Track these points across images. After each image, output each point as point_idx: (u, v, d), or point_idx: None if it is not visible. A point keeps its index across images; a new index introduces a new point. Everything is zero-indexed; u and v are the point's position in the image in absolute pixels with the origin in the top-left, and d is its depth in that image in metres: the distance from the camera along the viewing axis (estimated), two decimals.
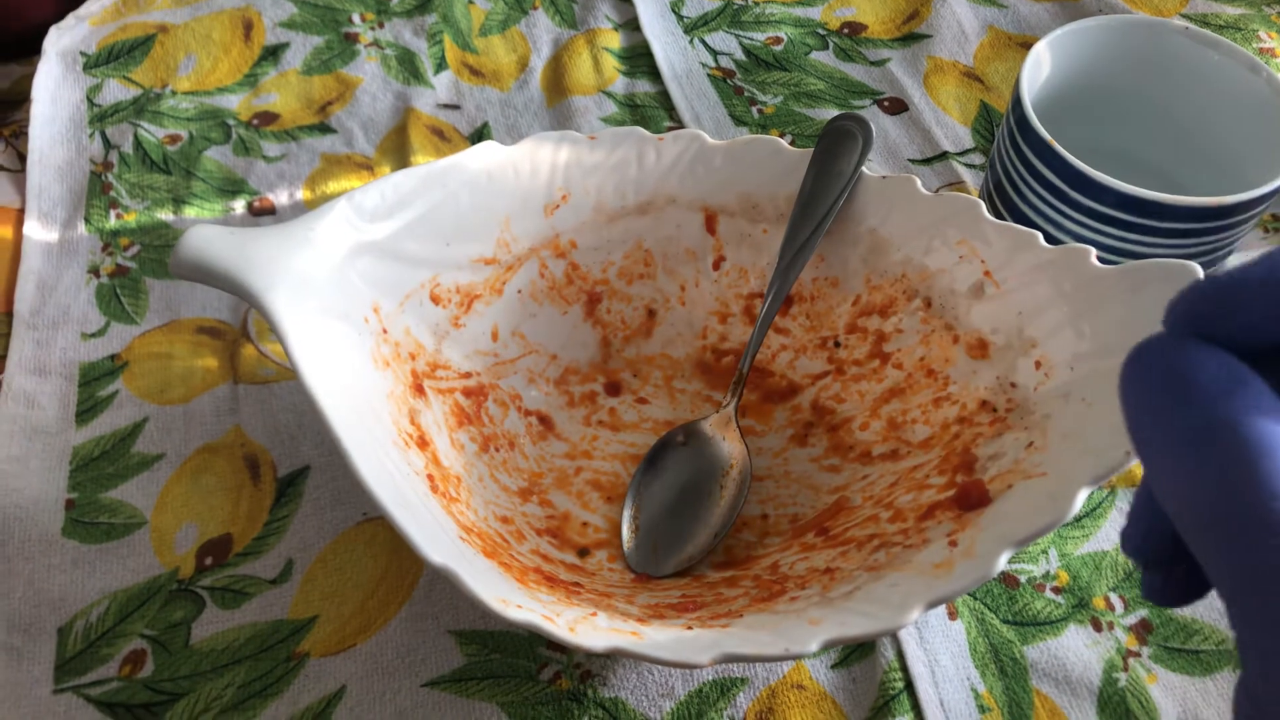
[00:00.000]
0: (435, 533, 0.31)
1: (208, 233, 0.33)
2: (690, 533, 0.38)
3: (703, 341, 0.43)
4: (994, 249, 0.36)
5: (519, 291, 0.42)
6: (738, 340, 0.43)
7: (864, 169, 0.40)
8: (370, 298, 0.37)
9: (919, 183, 0.38)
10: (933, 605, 0.29)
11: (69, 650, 0.37)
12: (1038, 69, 0.45)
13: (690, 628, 0.31)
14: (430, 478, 0.35)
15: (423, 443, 0.36)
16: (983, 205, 0.37)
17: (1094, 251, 0.34)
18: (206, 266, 0.33)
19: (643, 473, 0.40)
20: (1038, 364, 0.35)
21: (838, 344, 0.41)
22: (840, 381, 0.41)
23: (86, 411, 0.43)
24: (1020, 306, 0.35)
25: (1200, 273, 0.31)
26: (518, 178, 0.40)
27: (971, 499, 0.33)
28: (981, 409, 0.36)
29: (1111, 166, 0.42)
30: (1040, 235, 0.35)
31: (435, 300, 0.40)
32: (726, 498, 0.39)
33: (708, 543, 0.38)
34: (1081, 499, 0.29)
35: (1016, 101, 0.43)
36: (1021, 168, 0.43)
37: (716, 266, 0.43)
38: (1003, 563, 0.29)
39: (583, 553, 0.38)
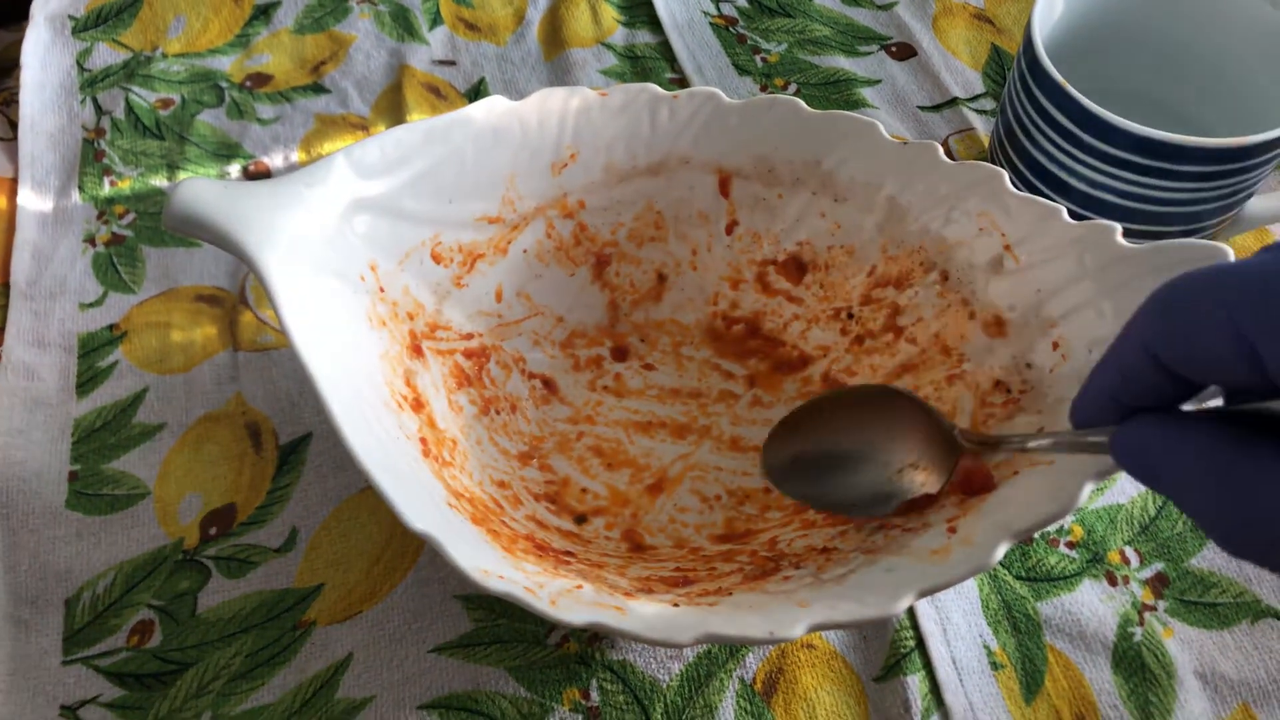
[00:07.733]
0: (421, 499, 0.30)
1: (201, 185, 0.32)
2: (833, 479, 0.35)
3: (713, 308, 0.42)
4: (1015, 222, 0.35)
5: (525, 251, 0.41)
6: (750, 308, 0.42)
7: (881, 131, 0.37)
8: (367, 256, 0.36)
9: (940, 150, 0.37)
10: (926, 594, 0.28)
11: (77, 621, 0.37)
12: (1050, 8, 0.43)
13: (677, 604, 0.30)
14: (423, 441, 0.34)
15: (417, 405, 0.36)
16: (1006, 176, 0.35)
17: (1119, 228, 0.32)
18: (198, 219, 0.32)
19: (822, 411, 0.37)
20: (1055, 345, 0.33)
21: (851, 315, 0.40)
22: (853, 354, 0.40)
23: (87, 383, 0.43)
24: (1040, 283, 0.34)
25: (1231, 255, 0.30)
26: (525, 134, 0.39)
27: (975, 483, 0.32)
28: (995, 389, 0.35)
29: (1127, 108, 0.40)
30: (1065, 210, 0.34)
31: (436, 259, 0.39)
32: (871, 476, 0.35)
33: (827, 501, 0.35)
34: (1087, 492, 0.28)
35: (1028, 43, 0.41)
36: (1033, 112, 0.41)
37: (730, 231, 0.42)
38: (1000, 554, 0.28)
39: (580, 519, 0.38)
